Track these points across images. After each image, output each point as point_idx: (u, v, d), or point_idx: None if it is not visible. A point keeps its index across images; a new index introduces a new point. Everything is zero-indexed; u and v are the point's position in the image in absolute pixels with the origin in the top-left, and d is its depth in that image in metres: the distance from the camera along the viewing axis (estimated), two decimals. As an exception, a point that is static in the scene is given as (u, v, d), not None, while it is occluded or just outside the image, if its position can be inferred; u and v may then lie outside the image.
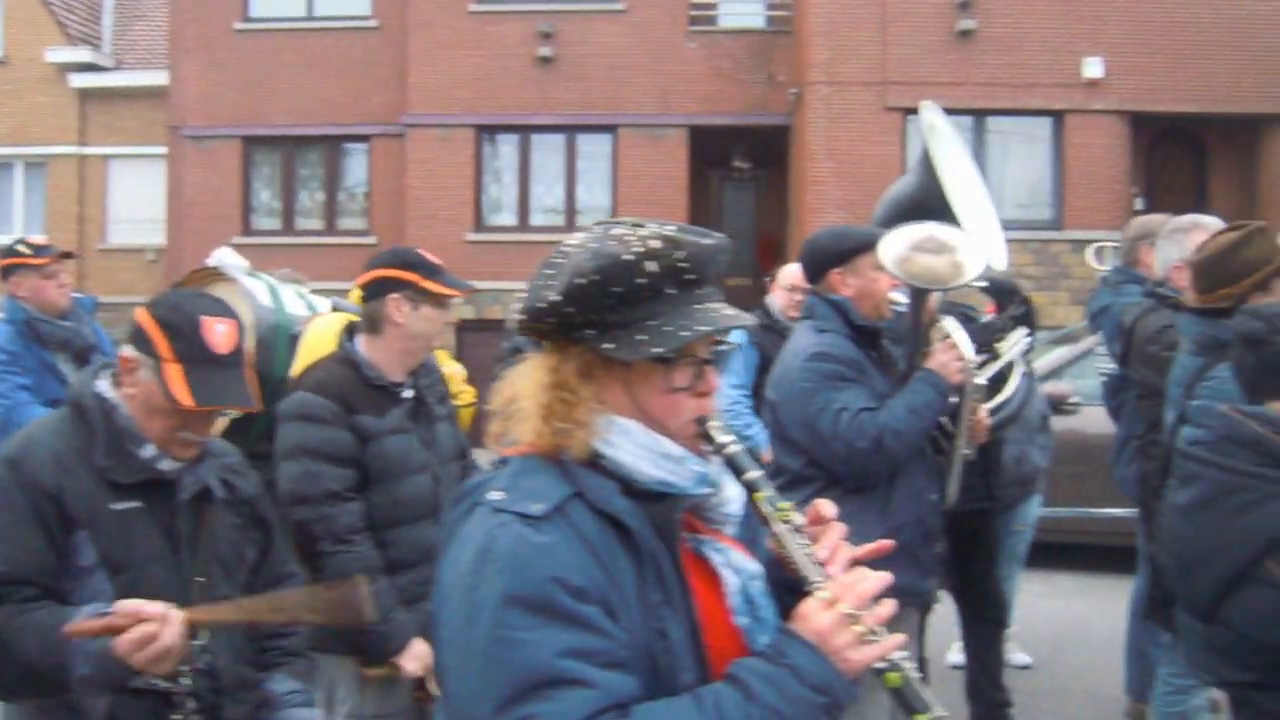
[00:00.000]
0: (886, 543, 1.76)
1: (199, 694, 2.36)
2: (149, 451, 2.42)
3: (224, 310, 2.50)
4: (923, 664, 5.04)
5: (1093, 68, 16.74)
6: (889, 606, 1.60)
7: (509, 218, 18.50)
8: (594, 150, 18.66)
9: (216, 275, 4.32)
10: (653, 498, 1.62)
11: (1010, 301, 4.83)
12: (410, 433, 3.42)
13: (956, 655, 5.44)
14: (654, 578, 1.58)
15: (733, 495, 1.72)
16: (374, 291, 3.41)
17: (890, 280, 3.76)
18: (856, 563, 1.65)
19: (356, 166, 19.61)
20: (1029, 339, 4.63)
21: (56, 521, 2.32)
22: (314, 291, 4.78)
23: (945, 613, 5.27)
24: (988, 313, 4.81)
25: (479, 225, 18.17)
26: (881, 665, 1.58)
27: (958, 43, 16.66)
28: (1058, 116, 16.97)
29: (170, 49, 19.48)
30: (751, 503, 1.68)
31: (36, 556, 2.30)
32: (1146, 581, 4.66)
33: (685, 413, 1.65)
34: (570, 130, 18.58)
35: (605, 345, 1.59)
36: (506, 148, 18.86)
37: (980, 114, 16.87)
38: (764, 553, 1.75)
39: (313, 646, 3.00)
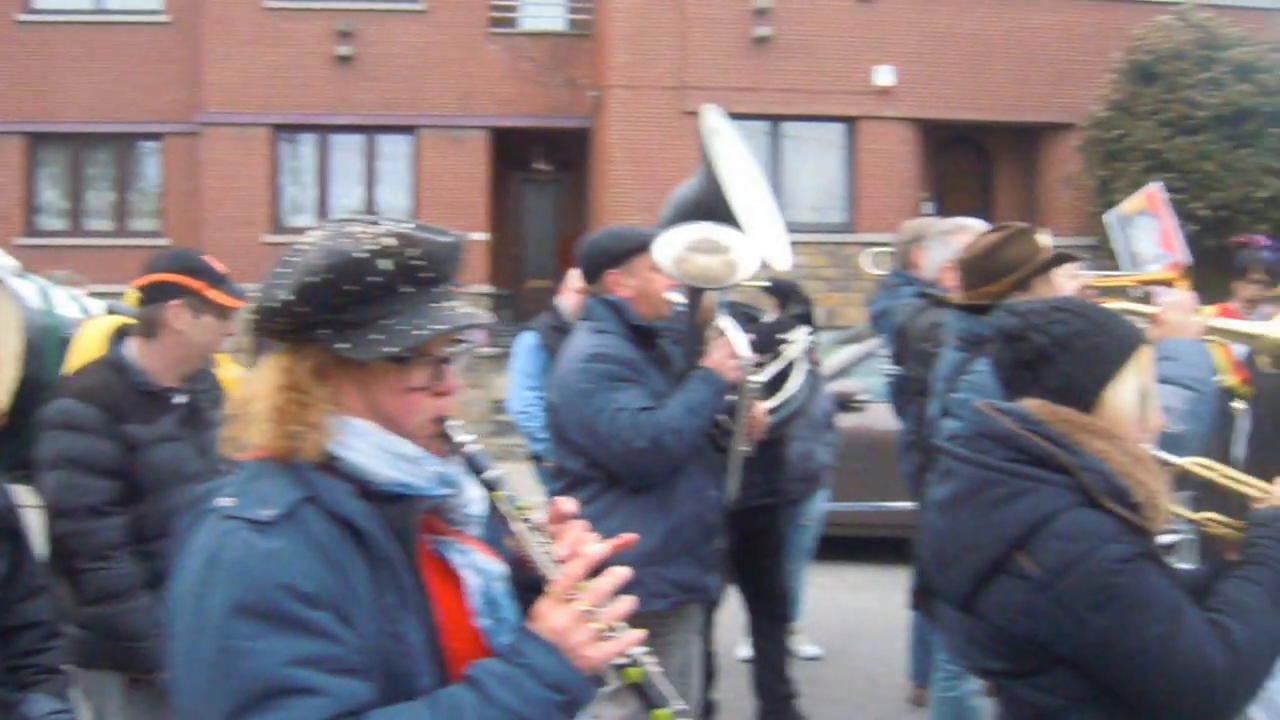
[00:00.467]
0: (630, 536, 1.77)
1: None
2: None
3: None
4: (710, 658, 5.14)
5: (884, 76, 17.27)
6: (628, 602, 1.61)
7: (309, 219, 18.06)
8: (394, 151, 18.44)
9: (-19, 276, 4.07)
10: (390, 499, 1.60)
11: (792, 301, 4.91)
12: (182, 440, 3.29)
13: (746, 649, 5.52)
14: (390, 581, 1.55)
15: (474, 495, 1.71)
16: (153, 295, 3.26)
17: (667, 280, 3.77)
18: (600, 559, 1.65)
19: (149, 166, 18.91)
20: (810, 338, 4.72)
21: None
22: (97, 294, 4.57)
23: (735, 607, 5.37)
24: (771, 313, 4.89)
25: (277, 227, 17.69)
26: (621, 661, 1.58)
27: (754, 49, 17.01)
28: (851, 122, 17.48)
29: (-55, 41, 18.44)
30: (491, 502, 1.68)
31: None
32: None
33: (422, 413, 1.63)
34: (370, 131, 18.30)
35: (339, 345, 1.56)
36: (305, 148, 18.46)
37: (776, 119, 17.26)
38: (509, 552, 1.74)
39: (78, 662, 2.86)
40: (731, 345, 3.80)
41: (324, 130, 18.21)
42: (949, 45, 17.30)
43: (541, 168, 19.34)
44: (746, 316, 4.63)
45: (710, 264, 3.78)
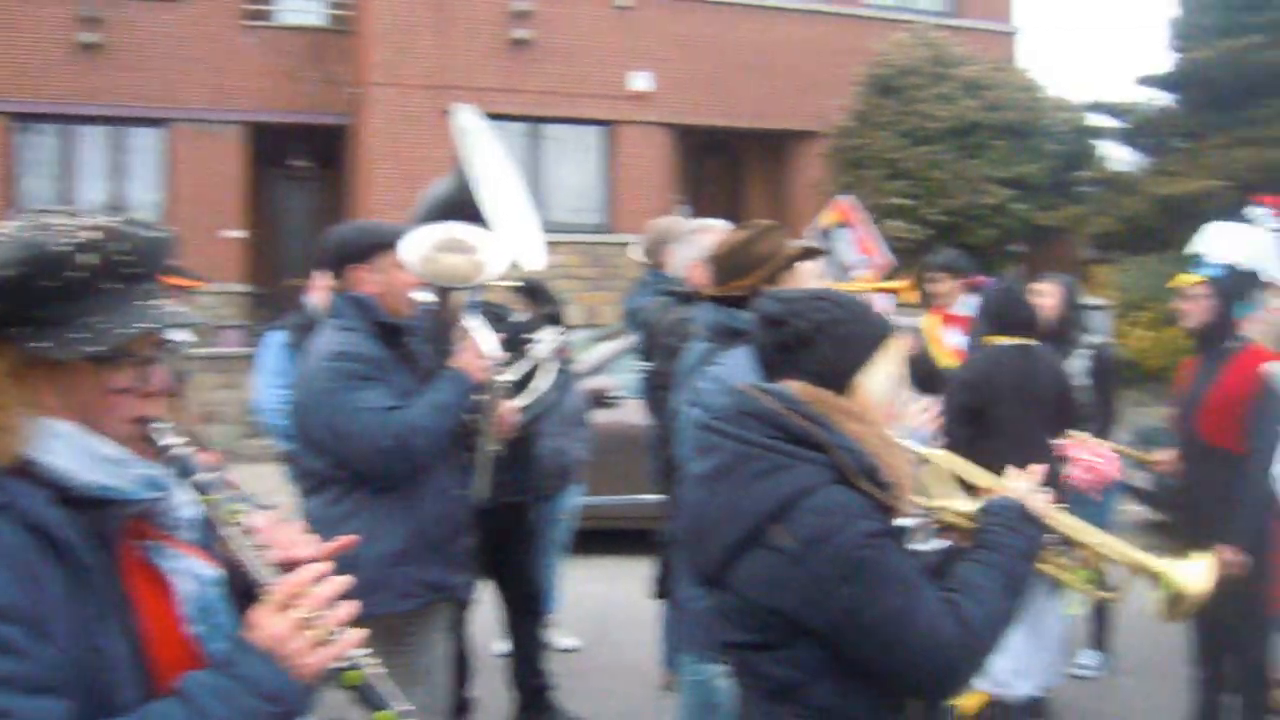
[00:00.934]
0: (350, 538, 1.76)
1: None
2: None
3: None
4: (466, 656, 5.16)
5: (641, 82, 17.52)
6: (349, 608, 1.58)
7: (48, 214, 17.06)
8: (144, 145, 17.56)
9: None
10: (93, 504, 1.51)
11: (542, 301, 4.96)
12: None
13: (502, 645, 5.57)
14: (89, 591, 1.47)
15: (186, 499, 1.64)
16: None
17: (413, 278, 3.76)
18: (322, 560, 1.63)
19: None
20: (560, 337, 4.77)
21: None
22: None
23: (490, 604, 5.40)
24: (521, 312, 4.95)
25: (12, 221, 16.65)
26: (341, 665, 1.55)
27: (514, 51, 17.01)
28: (608, 126, 17.68)
29: None
30: (202, 506, 1.63)
31: None
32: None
33: (127, 414, 1.56)
34: (118, 123, 17.39)
35: (37, 344, 1.48)
36: (46, 139, 17.38)
37: (536, 121, 17.31)
38: (225, 557, 1.68)
39: None
40: (479, 346, 3.81)
41: (67, 121, 17.21)
42: (703, 54, 17.71)
43: (300, 165, 18.82)
44: (495, 316, 4.64)
45: (457, 264, 3.78)
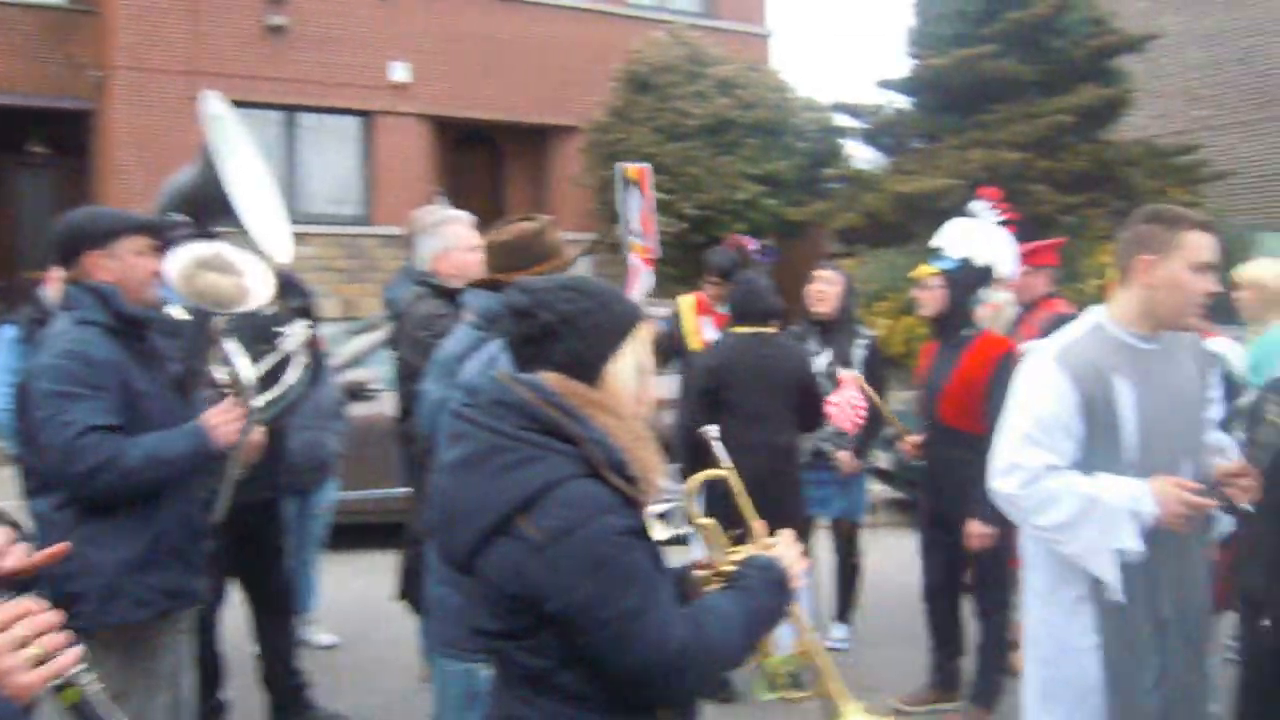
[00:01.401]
0: (61, 547, 1.72)
1: None
2: None
3: None
4: (217, 659, 5.02)
5: (400, 72, 17.35)
6: (64, 636, 1.55)
7: None
8: None
9: None
10: None
11: (292, 294, 4.88)
12: None
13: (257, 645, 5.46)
14: None
15: None
16: None
17: (152, 265, 3.60)
18: (27, 569, 1.59)
19: None
20: (311, 330, 4.69)
21: None
22: None
23: (241, 604, 5.29)
24: (270, 305, 4.85)
25: None
26: (58, 683, 1.53)
27: (269, 38, 16.58)
28: (367, 116, 17.44)
29: None
30: None
31: None
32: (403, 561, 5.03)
33: None
34: None
35: None
36: None
37: (292, 110, 16.93)
38: None
39: None
40: (231, 410, 3.63)
41: None
42: (464, 46, 17.66)
43: (38, 150, 17.78)
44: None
45: (220, 283, 3.64)
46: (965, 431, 5.15)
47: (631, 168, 8.47)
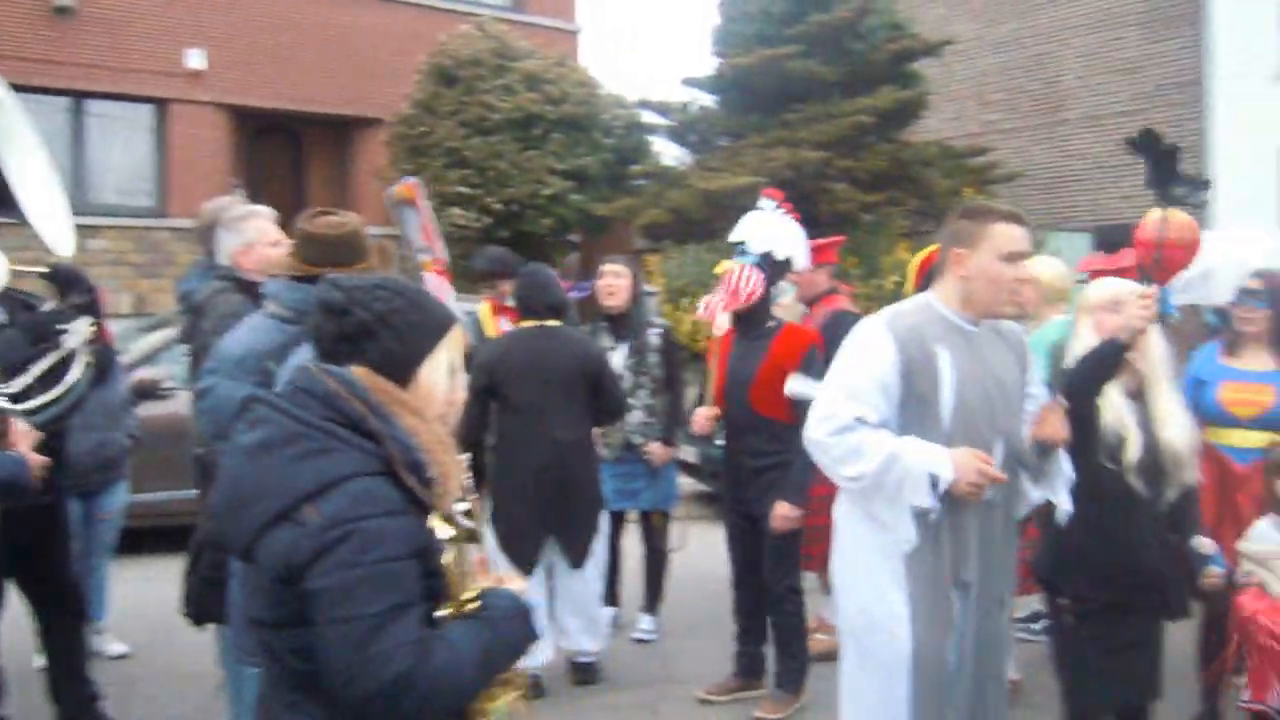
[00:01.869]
0: None
1: None
2: None
3: None
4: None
5: (195, 59, 16.80)
6: None
7: None
8: None
9: None
10: None
11: (74, 290, 4.68)
12: None
13: (42, 657, 5.21)
14: None
15: None
16: None
17: None
18: None
19: None
20: (92, 326, 4.51)
21: None
22: None
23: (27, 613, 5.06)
24: (51, 301, 4.64)
25: None
26: None
27: (55, 21, 15.80)
28: (161, 104, 16.82)
29: None
30: None
31: None
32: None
33: None
34: None
35: None
36: None
37: (80, 96, 16.20)
38: None
39: None
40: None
41: None
42: (264, 34, 17.20)
43: None
44: (24, 305, 4.38)
45: None
46: (774, 420, 5.26)
47: (400, 188, 8.41)
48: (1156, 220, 4.14)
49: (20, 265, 4.35)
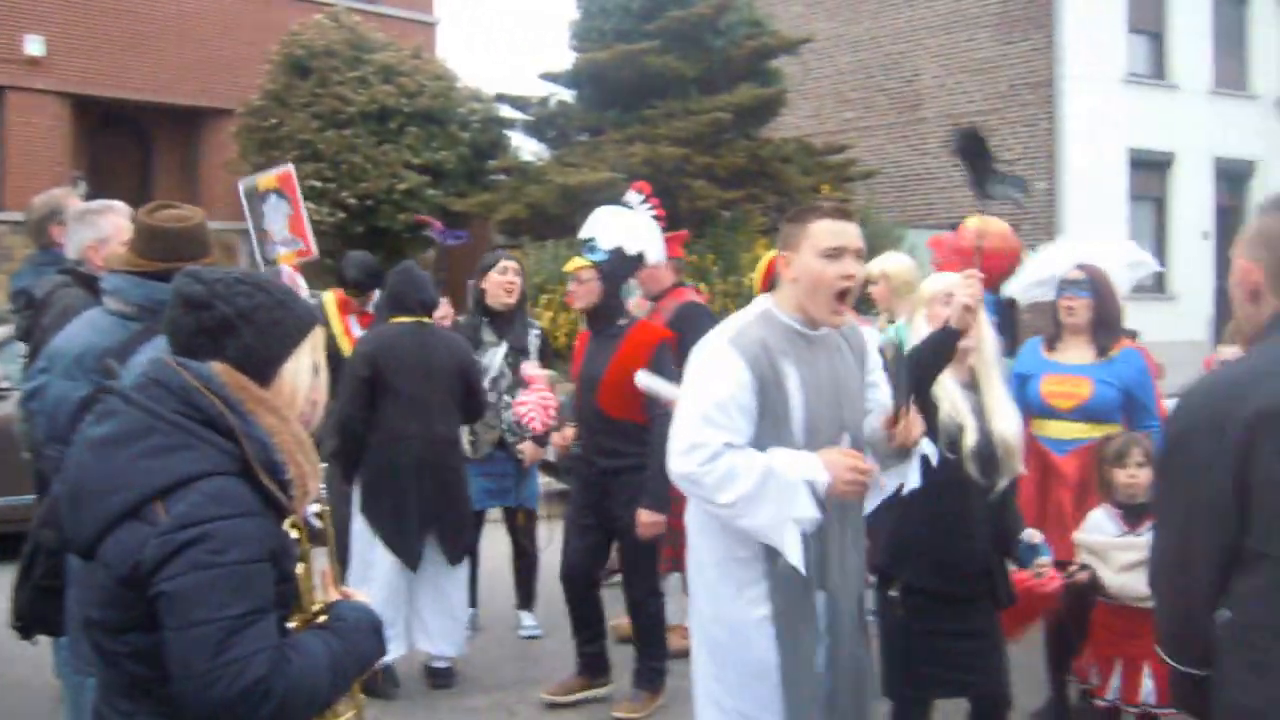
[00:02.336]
0: None
1: None
2: None
3: None
4: None
5: (34, 45, 16.27)
6: None
7: None
8: None
9: None
10: None
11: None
12: None
13: None
14: None
15: None
16: None
17: None
18: None
19: None
20: None
21: None
22: None
23: None
24: None
25: None
26: None
27: (-123, 2, 15.13)
28: (-4, 92, 16.22)
29: None
30: None
31: None
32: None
33: None
34: None
35: None
36: None
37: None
38: None
39: None
40: None
41: None
42: (108, 20, 16.70)
43: None
44: None
45: None
46: (624, 421, 5.23)
47: (265, 178, 8.19)
48: (973, 230, 4.23)
49: None
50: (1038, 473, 5.03)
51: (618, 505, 5.26)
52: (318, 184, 15.23)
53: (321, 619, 2.19)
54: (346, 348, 6.34)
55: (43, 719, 5.32)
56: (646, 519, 5.16)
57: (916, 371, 3.53)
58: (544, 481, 8.80)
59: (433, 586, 5.68)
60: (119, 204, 4.67)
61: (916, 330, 4.16)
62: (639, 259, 5.48)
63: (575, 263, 5.43)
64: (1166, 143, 20.18)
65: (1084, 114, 18.86)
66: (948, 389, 3.92)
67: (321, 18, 16.66)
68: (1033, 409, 5.08)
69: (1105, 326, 5.15)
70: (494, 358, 6.32)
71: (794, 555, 3.30)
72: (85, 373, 3.56)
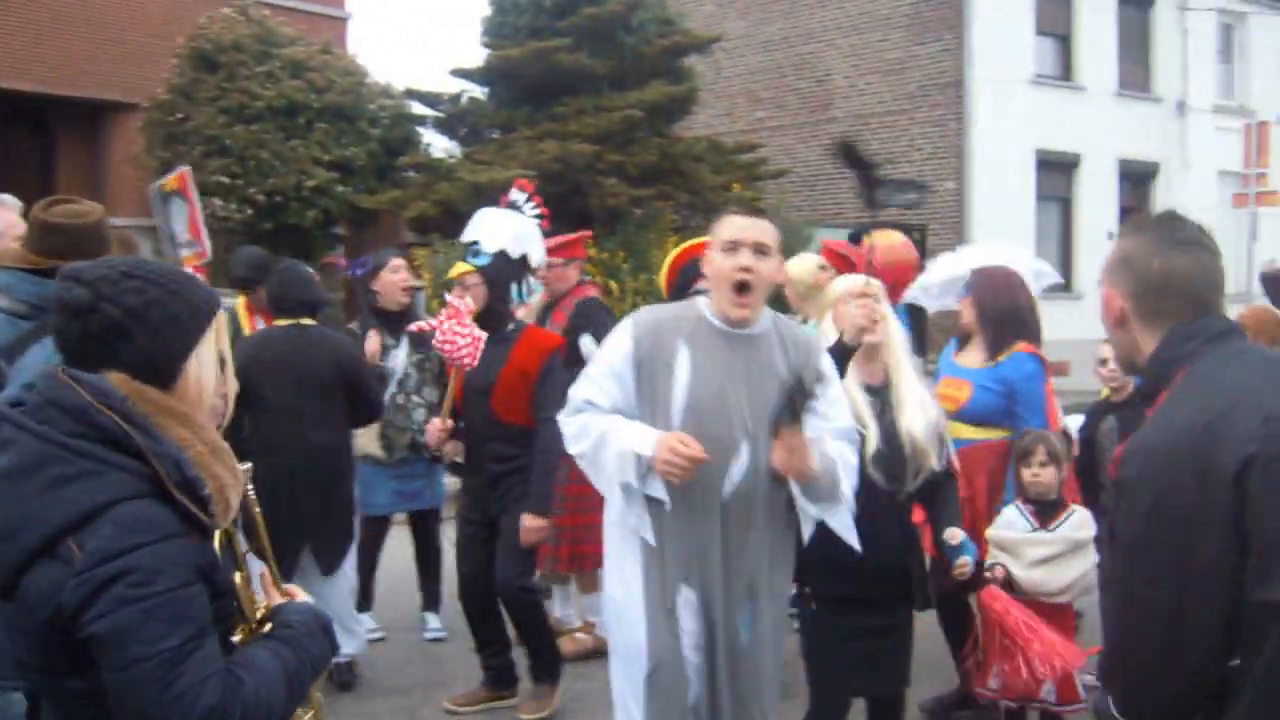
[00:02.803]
0: None
1: None
2: None
3: None
4: None
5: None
6: None
7: None
8: None
9: None
10: None
11: None
12: None
13: None
14: None
15: None
16: None
17: None
18: None
19: None
20: None
21: None
22: None
23: None
24: None
25: None
26: None
27: None
28: (-114, 84, 15.75)
29: None
30: None
31: None
32: None
33: None
34: None
35: None
36: None
37: None
38: None
39: None
40: None
41: None
42: (10, 12, 16.32)
43: None
44: None
45: None
46: (514, 424, 5.16)
47: (170, 179, 8.09)
48: (867, 249, 4.31)
49: None
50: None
51: (503, 503, 5.19)
52: (225, 180, 15.00)
53: (267, 627, 2.11)
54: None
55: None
56: (530, 524, 5.06)
57: (788, 394, 3.42)
58: (449, 481, 8.79)
59: (314, 595, 5.57)
60: (9, 198, 4.56)
61: (825, 332, 4.17)
62: (523, 262, 5.35)
63: (459, 268, 5.29)
64: (1073, 144, 20.58)
65: (992, 114, 19.17)
66: (852, 394, 3.92)
67: (230, 11, 16.39)
68: None
69: (994, 328, 5.23)
70: (397, 359, 6.25)
71: (631, 519, 3.49)
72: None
